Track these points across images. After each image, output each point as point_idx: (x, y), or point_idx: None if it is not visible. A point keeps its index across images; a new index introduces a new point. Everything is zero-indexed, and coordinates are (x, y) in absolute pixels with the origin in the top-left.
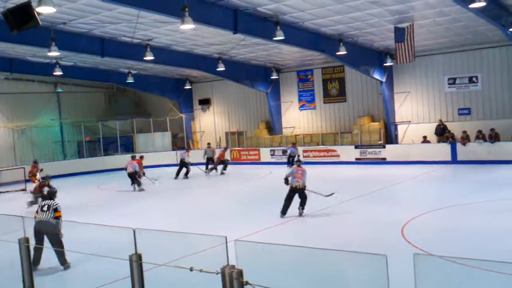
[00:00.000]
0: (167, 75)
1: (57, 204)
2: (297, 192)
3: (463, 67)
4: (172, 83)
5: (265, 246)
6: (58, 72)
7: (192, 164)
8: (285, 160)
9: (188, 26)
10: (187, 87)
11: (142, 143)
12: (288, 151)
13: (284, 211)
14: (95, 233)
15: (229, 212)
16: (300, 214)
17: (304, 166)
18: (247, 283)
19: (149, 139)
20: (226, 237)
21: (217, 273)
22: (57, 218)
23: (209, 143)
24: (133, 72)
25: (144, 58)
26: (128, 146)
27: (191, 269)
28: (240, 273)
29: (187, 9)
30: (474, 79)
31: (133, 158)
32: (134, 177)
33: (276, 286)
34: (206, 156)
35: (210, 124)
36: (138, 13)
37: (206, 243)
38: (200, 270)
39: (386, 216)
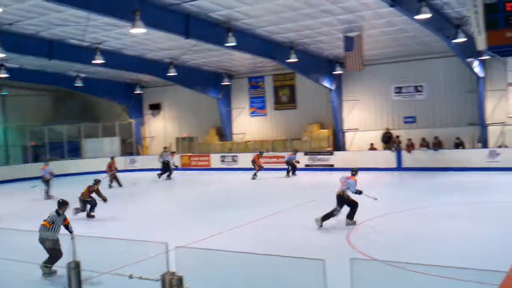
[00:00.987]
0: (117, 79)
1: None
2: (337, 198)
3: (409, 76)
4: (122, 88)
5: (206, 252)
6: (3, 74)
7: (146, 170)
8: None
9: (139, 30)
10: (138, 91)
11: (90, 148)
12: (287, 158)
13: (323, 218)
14: (30, 241)
15: (177, 218)
16: (347, 223)
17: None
18: None
19: (97, 144)
20: (166, 244)
21: (157, 280)
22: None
23: (165, 147)
24: (82, 75)
25: (93, 62)
26: (76, 151)
27: (130, 276)
28: (180, 279)
29: (138, 13)
30: (419, 88)
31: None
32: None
33: None
34: (162, 160)
35: (160, 129)
36: (88, 15)
37: (148, 250)
38: (140, 277)
39: (332, 222)
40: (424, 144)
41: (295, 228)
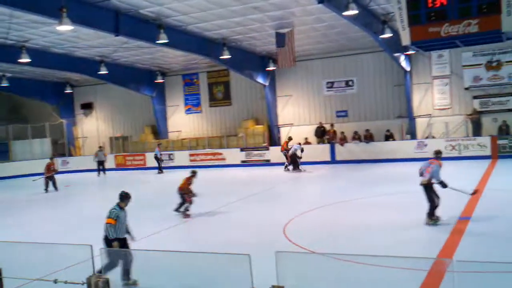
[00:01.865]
0: (45, 78)
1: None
2: (424, 189)
3: (340, 72)
4: (51, 87)
5: (134, 253)
6: None
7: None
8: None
9: (66, 27)
10: (68, 91)
11: (19, 150)
12: (292, 149)
13: (429, 215)
14: None
15: None
16: (426, 223)
17: (433, 162)
18: None
19: (26, 146)
20: (91, 246)
21: (83, 284)
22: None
23: (100, 146)
24: (8, 75)
25: (19, 61)
26: (3, 154)
27: (55, 281)
28: (107, 282)
29: (64, 10)
30: (350, 82)
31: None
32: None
33: None
34: (97, 159)
35: (93, 129)
36: (11, 12)
37: (74, 253)
38: (65, 282)
39: (270, 216)
40: (356, 137)
41: (232, 224)
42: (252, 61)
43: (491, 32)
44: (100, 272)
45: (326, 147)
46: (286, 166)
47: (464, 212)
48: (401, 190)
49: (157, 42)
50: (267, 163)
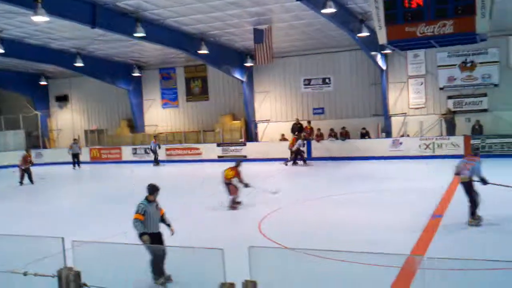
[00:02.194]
0: (20, 69)
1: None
2: (464, 188)
3: (317, 69)
4: (25, 79)
5: (105, 246)
6: None
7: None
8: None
9: (41, 18)
10: (43, 83)
11: None
12: (296, 145)
13: (472, 214)
14: None
15: (84, 213)
16: (469, 223)
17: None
18: (84, 285)
19: (0, 137)
20: (63, 239)
21: (54, 276)
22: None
23: (75, 139)
24: None
25: None
26: None
27: (24, 274)
28: (78, 274)
29: (40, 0)
30: (327, 80)
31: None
32: None
33: (116, 287)
34: (72, 152)
35: (68, 121)
36: None
37: (45, 245)
38: (35, 274)
39: (245, 211)
40: (332, 134)
41: (206, 219)
42: (230, 56)
43: (465, 34)
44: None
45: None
46: (288, 162)
47: (437, 210)
48: (376, 188)
49: (134, 35)
50: (244, 158)
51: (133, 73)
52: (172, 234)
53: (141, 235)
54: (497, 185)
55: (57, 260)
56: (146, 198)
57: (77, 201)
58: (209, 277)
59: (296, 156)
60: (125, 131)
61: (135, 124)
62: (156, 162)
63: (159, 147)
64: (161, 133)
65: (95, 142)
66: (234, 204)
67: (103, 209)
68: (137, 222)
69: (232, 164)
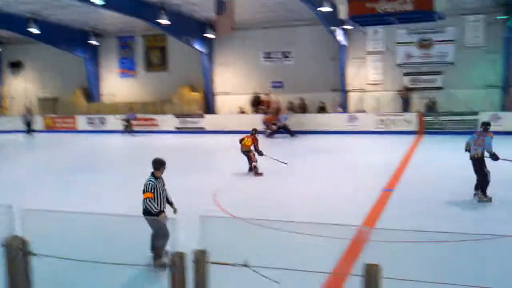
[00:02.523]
0: None
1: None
2: (475, 164)
3: (278, 43)
4: None
5: (56, 215)
6: None
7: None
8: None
9: None
10: None
11: None
12: (282, 119)
13: (482, 191)
14: None
15: (37, 181)
16: (478, 199)
17: (483, 134)
18: (32, 253)
19: None
20: (11, 206)
21: (2, 246)
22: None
23: (27, 107)
24: None
25: None
26: None
27: None
28: (25, 243)
29: None
30: (287, 54)
31: None
32: None
33: (67, 255)
34: (25, 120)
35: (21, 89)
36: None
37: None
38: None
39: (202, 182)
40: (291, 107)
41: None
42: (190, 27)
43: (424, 11)
44: (153, 249)
45: (261, 117)
46: (270, 134)
47: (389, 184)
48: (330, 161)
49: (92, 2)
50: (201, 130)
51: (90, 40)
52: (175, 212)
53: (158, 214)
54: (509, 160)
55: (6, 229)
56: (153, 175)
57: (29, 170)
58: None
59: (279, 130)
60: (80, 100)
61: (91, 93)
62: (129, 132)
63: (135, 118)
64: (118, 103)
65: (49, 111)
66: (258, 172)
67: (54, 178)
68: (150, 202)
69: (245, 134)
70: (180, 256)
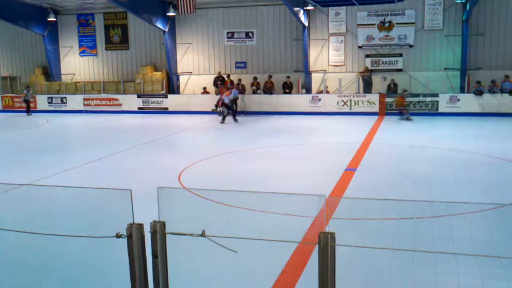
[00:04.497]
0: None
1: None
2: None
3: (241, 22)
4: None
5: (5, 186)
6: None
7: None
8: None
9: None
10: None
11: None
12: (231, 95)
13: None
14: None
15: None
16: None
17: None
18: None
19: None
20: None
21: None
22: None
23: (27, 86)
24: None
25: None
26: None
27: None
28: None
29: None
30: (250, 34)
31: None
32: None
33: (20, 227)
34: (25, 99)
35: None
36: None
37: None
38: None
39: (165, 163)
40: (255, 83)
41: (123, 170)
42: (151, 5)
43: None
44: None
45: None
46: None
47: (351, 164)
48: (292, 142)
49: None
50: (165, 111)
51: (48, 17)
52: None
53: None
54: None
55: None
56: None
57: None
58: (117, 218)
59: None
60: (40, 79)
61: (50, 72)
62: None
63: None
64: (78, 83)
65: (7, 90)
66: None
67: (15, 158)
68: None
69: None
70: (138, 227)
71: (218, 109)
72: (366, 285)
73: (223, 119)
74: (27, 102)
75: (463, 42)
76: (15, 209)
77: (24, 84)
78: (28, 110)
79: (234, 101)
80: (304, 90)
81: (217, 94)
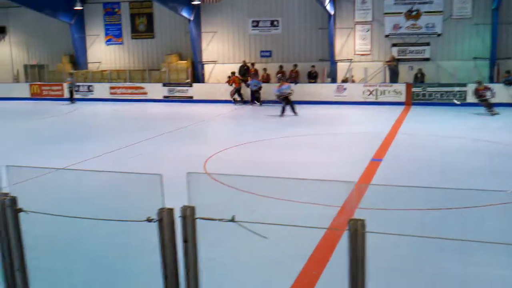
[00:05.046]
0: None
1: None
2: None
3: (266, 11)
4: None
5: (39, 171)
6: None
7: None
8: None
9: None
10: None
11: None
12: (251, 84)
13: None
14: None
15: (25, 149)
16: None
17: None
18: (21, 210)
19: None
20: None
21: None
22: None
23: (71, 73)
24: None
25: None
26: None
27: None
28: (14, 200)
29: None
30: (275, 23)
31: None
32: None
33: (53, 211)
34: (70, 87)
35: (6, 55)
36: None
37: None
38: None
39: (190, 151)
40: (281, 72)
41: (149, 158)
42: None
43: None
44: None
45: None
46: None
47: (377, 154)
48: (318, 131)
49: None
50: (190, 99)
51: (75, 6)
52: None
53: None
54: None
55: None
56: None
57: (15, 136)
58: (148, 202)
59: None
60: (67, 67)
61: (77, 61)
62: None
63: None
64: (104, 71)
65: (35, 78)
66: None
67: (49, 145)
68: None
69: None
70: (169, 211)
71: (234, 98)
72: (392, 274)
73: (283, 112)
74: (71, 89)
75: (492, 31)
76: (49, 193)
77: (52, 72)
78: (72, 98)
79: (256, 91)
80: (329, 80)
81: (230, 84)
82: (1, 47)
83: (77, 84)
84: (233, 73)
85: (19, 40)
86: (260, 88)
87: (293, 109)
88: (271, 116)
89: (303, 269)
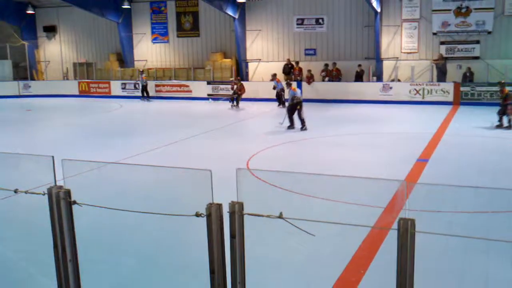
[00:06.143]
0: None
1: None
2: None
3: (311, 9)
4: (12, 6)
5: (95, 165)
6: None
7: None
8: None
9: None
10: (30, 11)
11: None
12: (278, 87)
13: None
14: None
15: (76, 144)
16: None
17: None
18: (74, 202)
19: None
20: (53, 157)
21: (44, 194)
22: None
23: (142, 70)
24: None
25: None
26: None
27: (15, 191)
28: (68, 192)
29: None
30: (320, 20)
31: None
32: None
33: (103, 204)
34: (142, 84)
35: (56, 53)
36: None
37: (35, 164)
38: (26, 192)
39: (234, 149)
40: (325, 69)
41: (193, 155)
42: None
43: None
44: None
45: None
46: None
47: (423, 155)
48: (363, 131)
49: None
50: None
51: (123, 5)
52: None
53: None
54: None
55: (46, 178)
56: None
57: (66, 131)
58: (196, 197)
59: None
60: (114, 65)
61: (124, 59)
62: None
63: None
64: (150, 69)
65: (84, 75)
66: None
67: (92, 140)
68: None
69: None
70: (217, 206)
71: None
72: (439, 275)
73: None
74: (143, 86)
75: None
76: (100, 186)
77: (100, 70)
78: (145, 95)
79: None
80: (375, 78)
81: (232, 88)
82: (52, 45)
83: (137, 82)
84: (274, 74)
85: (68, 38)
86: (282, 90)
87: (303, 121)
88: (313, 115)
89: (346, 268)
